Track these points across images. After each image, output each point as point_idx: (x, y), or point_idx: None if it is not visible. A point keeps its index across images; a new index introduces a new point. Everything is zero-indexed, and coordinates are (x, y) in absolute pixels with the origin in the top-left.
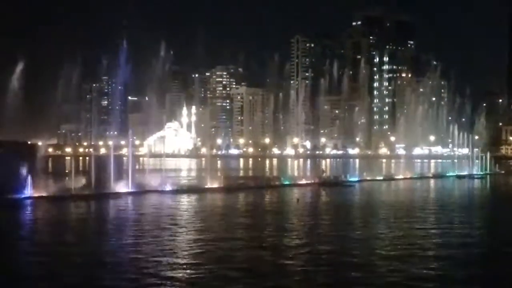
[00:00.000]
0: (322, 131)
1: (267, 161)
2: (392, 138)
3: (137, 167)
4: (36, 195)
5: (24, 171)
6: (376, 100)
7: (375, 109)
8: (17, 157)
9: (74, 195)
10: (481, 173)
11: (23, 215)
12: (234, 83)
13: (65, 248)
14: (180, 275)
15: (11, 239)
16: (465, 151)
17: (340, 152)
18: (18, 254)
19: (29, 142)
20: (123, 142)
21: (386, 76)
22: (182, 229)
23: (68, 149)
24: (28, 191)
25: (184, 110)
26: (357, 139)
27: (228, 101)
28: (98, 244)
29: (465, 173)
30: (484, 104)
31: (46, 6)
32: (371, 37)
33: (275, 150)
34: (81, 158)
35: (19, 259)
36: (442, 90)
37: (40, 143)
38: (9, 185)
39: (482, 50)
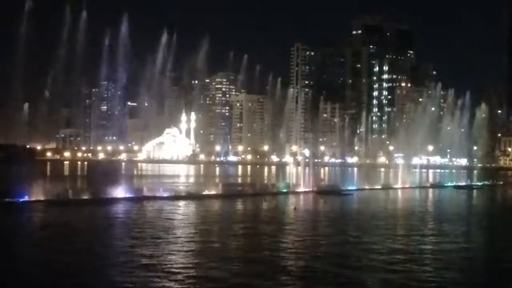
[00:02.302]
0: (321, 139)
1: (266, 169)
2: (391, 147)
3: (135, 172)
4: (33, 199)
5: (22, 174)
6: (375, 109)
7: (374, 118)
8: (15, 160)
9: (72, 200)
10: (480, 183)
11: (17, 219)
12: (233, 90)
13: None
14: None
15: None
16: (464, 161)
17: (338, 160)
18: None
19: (27, 146)
20: (121, 147)
21: (385, 85)
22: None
23: (67, 154)
24: (26, 195)
25: (183, 116)
26: (356, 147)
27: (227, 108)
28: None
29: (464, 183)
30: (483, 115)
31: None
32: (371, 46)
33: (274, 158)
34: (79, 162)
35: None
36: (441, 100)
37: (39, 147)
38: (7, 188)
39: (481, 61)
